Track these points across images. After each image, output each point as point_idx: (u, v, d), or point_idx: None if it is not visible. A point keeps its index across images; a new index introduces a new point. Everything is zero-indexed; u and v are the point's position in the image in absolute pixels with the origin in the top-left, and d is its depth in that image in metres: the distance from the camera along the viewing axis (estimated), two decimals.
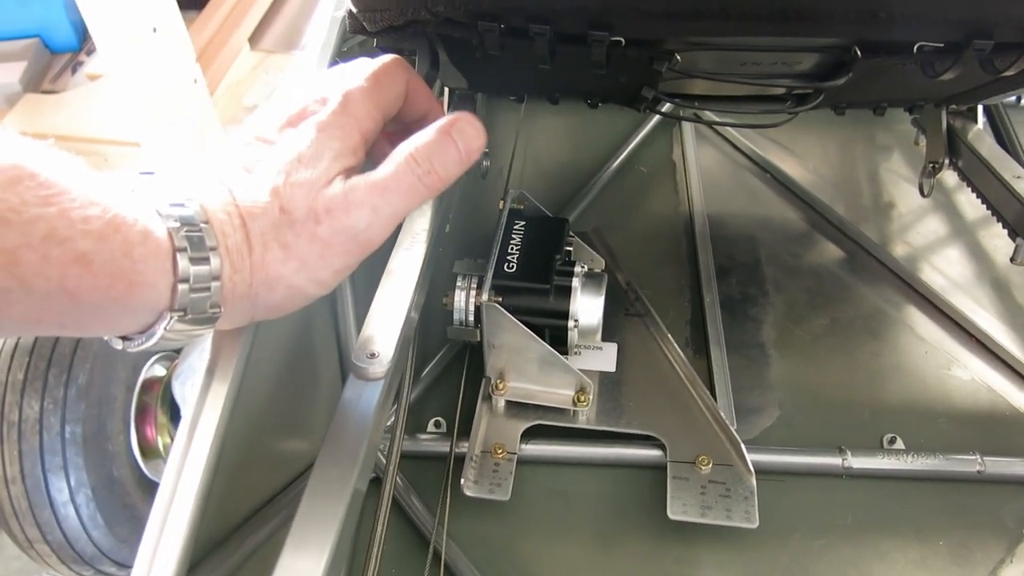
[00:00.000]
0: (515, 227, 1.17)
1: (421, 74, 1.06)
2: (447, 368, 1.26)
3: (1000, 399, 1.20)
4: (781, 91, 1.21)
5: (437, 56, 1.04)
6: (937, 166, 1.34)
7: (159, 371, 1.98)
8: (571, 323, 1.10)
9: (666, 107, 1.39)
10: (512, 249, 1.14)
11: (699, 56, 1.01)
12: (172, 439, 1.95)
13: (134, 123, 1.97)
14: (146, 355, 1.94)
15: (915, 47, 0.91)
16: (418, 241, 1.04)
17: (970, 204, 1.49)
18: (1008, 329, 1.28)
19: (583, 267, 1.14)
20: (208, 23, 2.43)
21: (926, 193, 1.39)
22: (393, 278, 0.99)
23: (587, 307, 1.11)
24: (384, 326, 0.90)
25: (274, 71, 2.50)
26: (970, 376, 1.23)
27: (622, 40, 0.92)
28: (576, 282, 1.11)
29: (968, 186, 1.29)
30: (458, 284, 1.11)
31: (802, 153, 1.60)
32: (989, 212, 1.24)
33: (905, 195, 1.52)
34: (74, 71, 2.43)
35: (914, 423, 1.17)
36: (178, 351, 2.01)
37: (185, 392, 1.90)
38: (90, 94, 2.22)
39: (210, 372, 0.78)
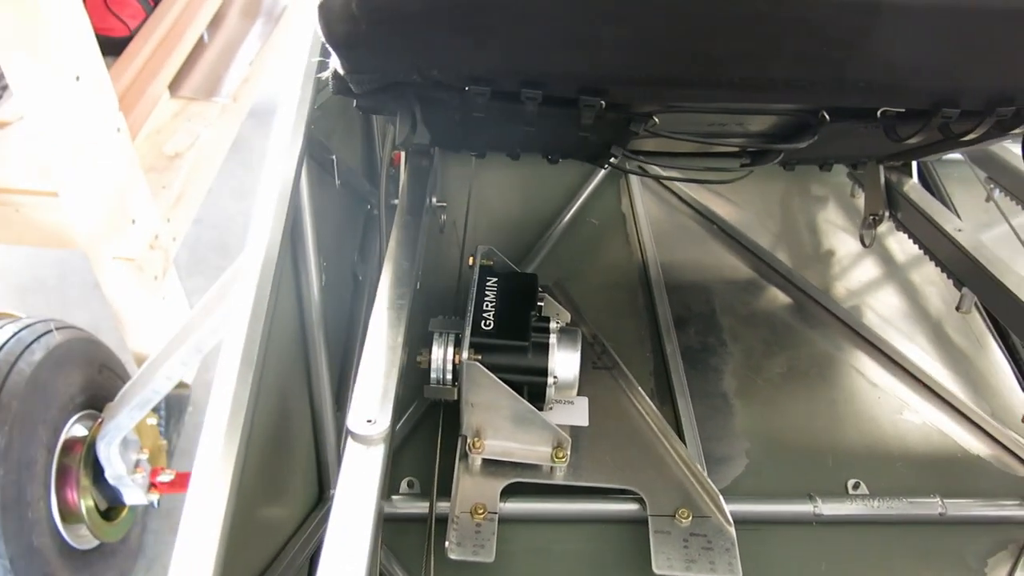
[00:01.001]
0: (487, 284, 1.17)
1: (401, 137, 1.05)
2: (416, 426, 1.24)
3: (951, 441, 1.25)
4: (735, 148, 1.25)
5: (416, 118, 1.04)
6: (877, 218, 1.40)
7: (80, 431, 1.88)
8: (550, 379, 1.10)
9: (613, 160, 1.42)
10: (487, 306, 1.13)
11: (670, 117, 1.04)
12: (96, 502, 1.85)
13: (53, 172, 1.89)
14: (66, 414, 1.84)
15: (879, 112, 0.96)
16: (397, 303, 1.03)
17: (902, 250, 1.56)
18: (950, 373, 1.35)
19: (557, 323, 1.15)
20: (126, 70, 2.36)
21: (867, 244, 1.45)
22: (377, 340, 0.97)
23: (564, 362, 1.12)
24: (377, 390, 0.89)
25: (196, 119, 2.44)
26: (921, 420, 1.28)
27: (603, 103, 0.94)
28: (553, 338, 1.12)
29: (909, 237, 1.36)
30: (435, 342, 1.10)
31: (743, 204, 1.65)
32: (932, 262, 1.31)
33: (843, 243, 1.58)
34: None
35: (875, 467, 1.21)
36: (100, 409, 1.92)
37: (111, 453, 1.82)
38: (0, 142, 2.12)
39: (216, 440, 0.75)
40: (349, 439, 0.84)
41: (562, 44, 0.83)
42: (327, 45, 0.85)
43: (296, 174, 1.00)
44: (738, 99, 0.93)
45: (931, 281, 1.49)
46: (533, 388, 1.11)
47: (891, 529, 1.14)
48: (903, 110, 0.95)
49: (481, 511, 1.08)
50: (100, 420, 1.89)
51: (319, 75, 1.03)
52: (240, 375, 0.77)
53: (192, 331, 1.53)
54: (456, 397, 1.11)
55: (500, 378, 1.07)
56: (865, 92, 0.87)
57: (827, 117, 0.98)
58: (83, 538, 1.83)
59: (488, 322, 1.11)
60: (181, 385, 2.38)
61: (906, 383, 1.33)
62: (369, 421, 0.85)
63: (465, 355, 1.07)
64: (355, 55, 0.86)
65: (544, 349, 1.11)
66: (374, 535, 0.75)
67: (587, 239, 1.58)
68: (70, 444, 1.85)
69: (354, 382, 0.92)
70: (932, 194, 1.57)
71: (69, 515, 1.81)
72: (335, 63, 0.91)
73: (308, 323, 1.11)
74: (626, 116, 0.99)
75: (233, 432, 0.74)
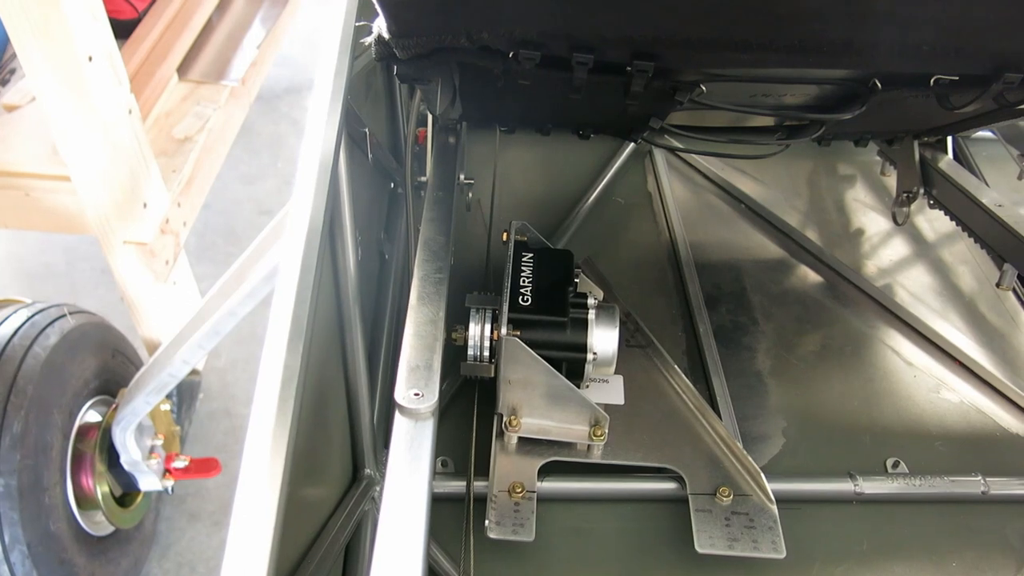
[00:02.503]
0: (523, 259, 1.15)
1: (441, 107, 1.03)
2: (448, 405, 1.21)
3: (990, 420, 1.24)
4: (771, 124, 1.23)
5: (456, 88, 1.02)
6: (911, 195, 1.39)
7: (94, 417, 1.86)
8: (590, 355, 1.08)
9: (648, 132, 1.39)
10: (523, 282, 1.11)
11: (714, 87, 1.02)
12: (111, 488, 1.83)
13: (65, 155, 1.86)
14: (81, 400, 1.82)
15: (932, 80, 0.94)
16: (435, 276, 1.01)
17: (932, 229, 1.54)
18: (986, 351, 1.33)
19: (595, 299, 1.12)
20: (135, 52, 2.33)
21: (900, 222, 1.44)
22: (418, 314, 0.95)
23: (603, 338, 1.10)
24: (423, 362, 0.87)
25: (205, 102, 2.41)
26: (958, 399, 1.26)
27: (650, 71, 0.92)
28: (592, 314, 1.10)
29: (945, 214, 1.34)
30: (472, 318, 1.08)
31: (770, 183, 1.63)
32: (967, 239, 1.29)
33: (872, 222, 1.56)
34: None
35: (913, 446, 1.19)
36: (113, 394, 1.89)
37: (127, 438, 1.79)
38: (9, 126, 2.08)
39: (269, 410, 0.73)
40: (396, 414, 0.82)
41: (619, 3, 0.80)
42: (377, 5, 0.82)
43: (336, 145, 0.98)
44: (793, 63, 0.91)
45: (963, 260, 1.47)
46: (572, 365, 1.09)
47: (932, 508, 1.13)
48: (957, 77, 0.93)
49: (519, 490, 1.06)
50: (115, 405, 1.87)
51: (362, 40, 1.00)
52: (290, 344, 0.75)
53: (209, 314, 1.51)
54: (493, 374, 1.09)
55: (538, 354, 1.05)
56: (926, 56, 0.85)
57: (879, 85, 0.96)
58: (99, 524, 1.81)
59: (526, 298, 1.09)
60: (192, 372, 2.36)
61: (942, 362, 1.32)
62: (417, 394, 0.83)
63: (504, 331, 1.05)
64: (406, 16, 0.84)
65: (583, 325, 1.09)
66: (428, 512, 0.73)
67: (614, 218, 1.56)
68: (85, 429, 1.83)
69: (393, 356, 0.90)
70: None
71: (85, 501, 1.79)
72: (380, 27, 0.88)
73: (344, 297, 1.08)
74: (672, 85, 0.97)
75: (285, 403, 0.72)
